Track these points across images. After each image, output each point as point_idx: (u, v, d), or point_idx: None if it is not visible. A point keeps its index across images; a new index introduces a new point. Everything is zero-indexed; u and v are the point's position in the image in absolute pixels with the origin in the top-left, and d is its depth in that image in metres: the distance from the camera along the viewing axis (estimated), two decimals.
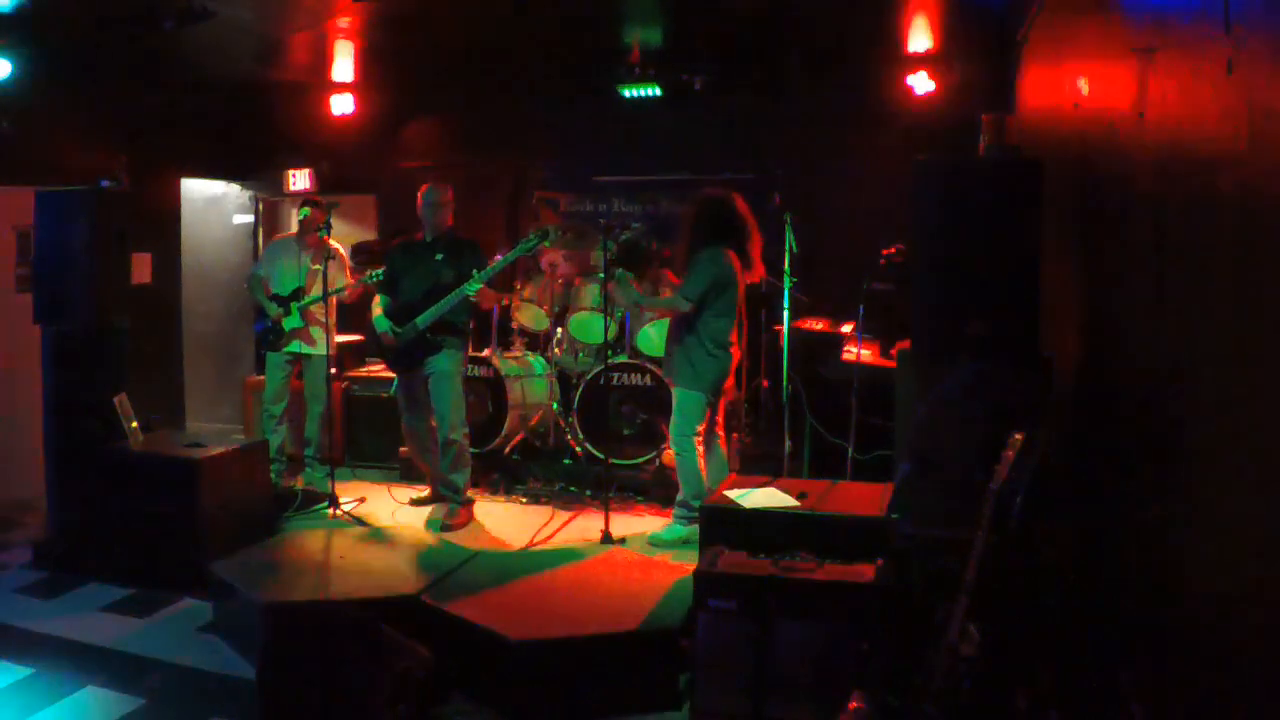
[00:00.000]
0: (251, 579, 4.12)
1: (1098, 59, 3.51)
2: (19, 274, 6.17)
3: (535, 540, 5.16)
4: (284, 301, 6.23)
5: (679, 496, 5.21)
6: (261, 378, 6.57)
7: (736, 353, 5.18)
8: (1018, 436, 2.88)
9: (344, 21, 5.59)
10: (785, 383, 5.90)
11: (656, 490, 5.69)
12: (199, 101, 7.31)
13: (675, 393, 5.12)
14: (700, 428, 5.11)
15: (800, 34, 6.12)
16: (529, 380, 6.57)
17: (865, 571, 3.35)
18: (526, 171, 7.81)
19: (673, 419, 5.15)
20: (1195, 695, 2.24)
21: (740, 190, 7.27)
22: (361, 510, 5.68)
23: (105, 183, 5.17)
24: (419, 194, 5.53)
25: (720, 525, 3.82)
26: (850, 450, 5.43)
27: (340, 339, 6.78)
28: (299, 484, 6.09)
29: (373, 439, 6.80)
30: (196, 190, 8.13)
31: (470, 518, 5.57)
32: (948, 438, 3.16)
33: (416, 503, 5.89)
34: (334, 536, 4.87)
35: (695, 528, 5.07)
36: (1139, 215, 2.91)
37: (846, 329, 6.09)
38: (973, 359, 3.34)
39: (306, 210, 6.28)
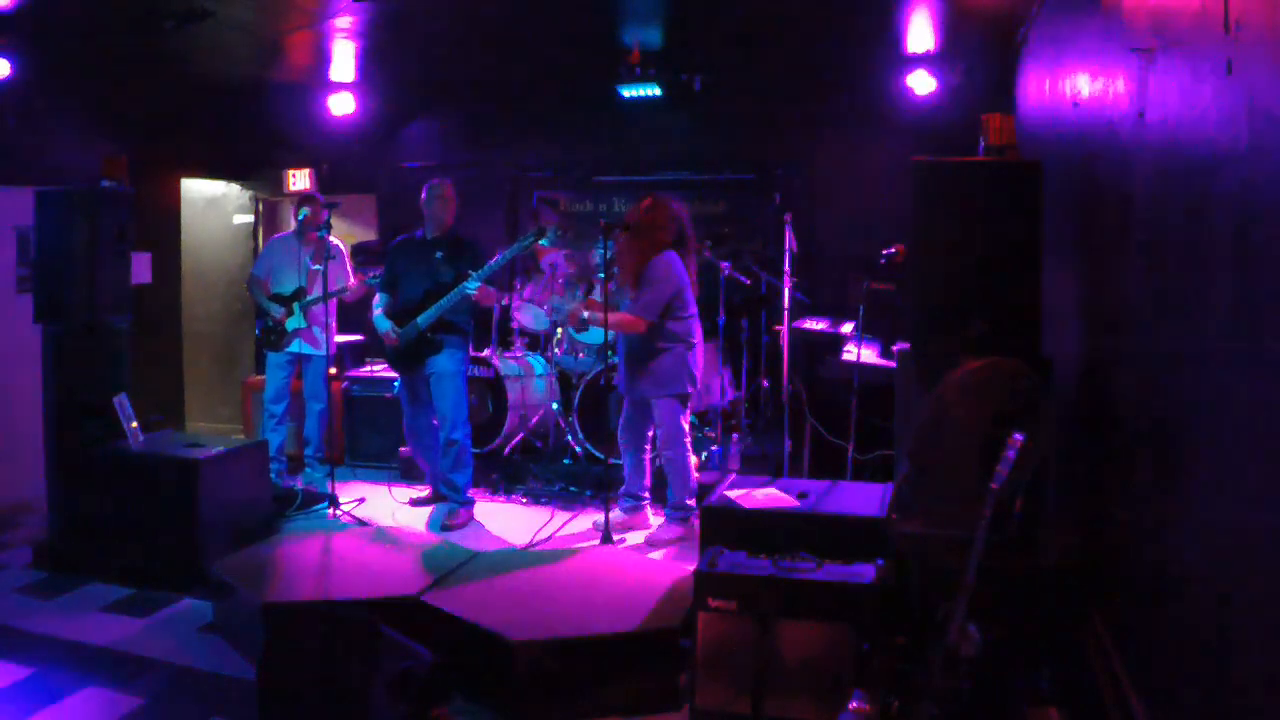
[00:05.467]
0: (251, 579, 4.11)
1: (1098, 59, 3.51)
2: (19, 274, 6.17)
3: (535, 540, 5.16)
4: (286, 301, 6.23)
5: (672, 499, 5.24)
6: (261, 378, 6.58)
7: (700, 349, 5.25)
8: (1018, 436, 2.88)
9: (344, 21, 5.59)
10: (785, 383, 5.90)
11: (657, 490, 5.68)
12: (199, 101, 7.31)
13: (658, 404, 5.13)
14: (687, 426, 5.17)
15: (800, 34, 6.12)
16: (529, 380, 6.57)
17: (865, 571, 3.35)
18: (526, 171, 7.82)
19: (658, 429, 5.18)
20: (1195, 694, 2.24)
21: (740, 190, 7.33)
22: (361, 510, 5.68)
23: (105, 183, 5.17)
24: (422, 190, 5.54)
25: (720, 525, 3.83)
26: (850, 450, 5.43)
27: (340, 339, 6.78)
28: (299, 484, 6.09)
29: (373, 439, 6.80)
30: (196, 190, 8.13)
31: (470, 518, 5.57)
32: (948, 438, 3.15)
33: (416, 503, 5.89)
34: (334, 536, 4.86)
35: (690, 527, 5.10)
36: (1139, 215, 2.91)
37: (846, 329, 6.09)
38: (973, 359, 3.33)
39: (306, 210, 6.29)
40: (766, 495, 4.00)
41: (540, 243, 5.69)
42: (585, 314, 5.30)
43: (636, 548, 5.10)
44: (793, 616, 3.28)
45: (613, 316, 5.12)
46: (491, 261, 5.40)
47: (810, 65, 6.92)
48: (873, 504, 3.90)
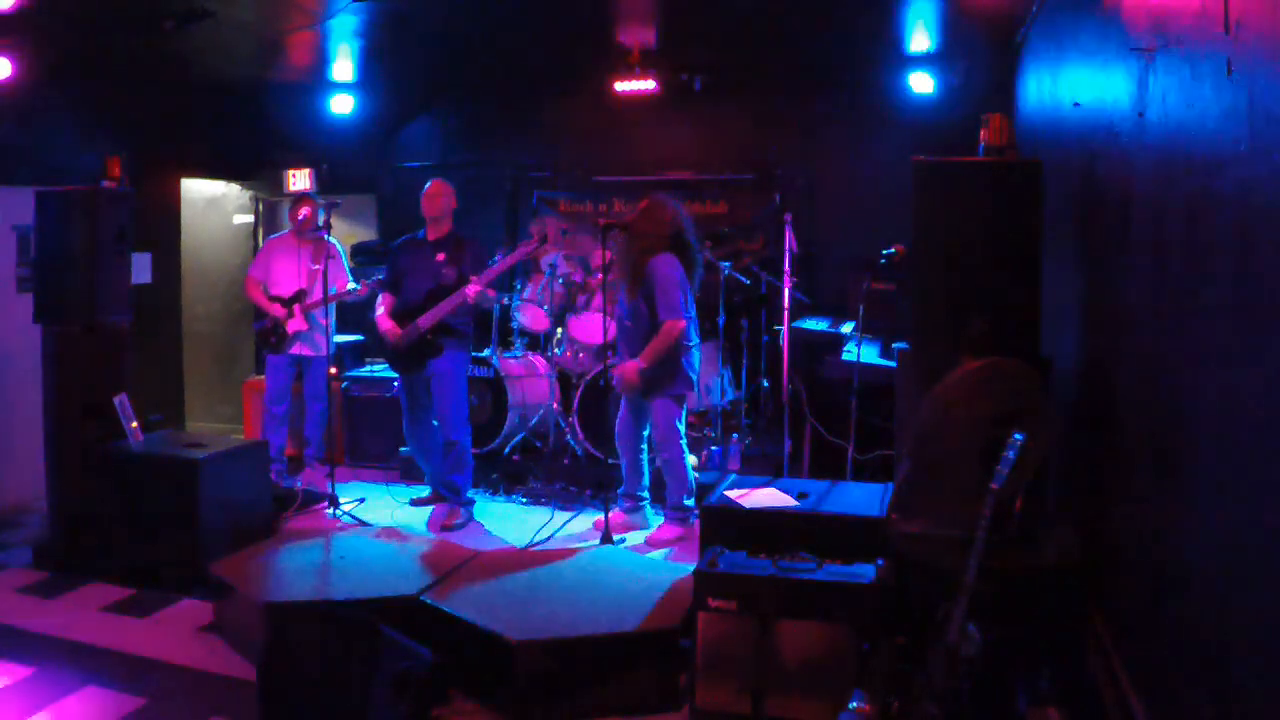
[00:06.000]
0: (251, 579, 4.12)
1: (1098, 59, 3.51)
2: (19, 274, 6.17)
3: (535, 540, 5.16)
4: (286, 304, 6.22)
5: (671, 500, 5.23)
6: (261, 378, 6.57)
7: (698, 351, 5.26)
8: (1018, 436, 2.88)
9: (344, 21, 5.59)
10: (785, 383, 5.89)
11: (656, 491, 5.69)
12: (199, 101, 7.31)
13: (655, 405, 5.13)
14: (683, 427, 5.16)
15: (800, 33, 6.12)
16: (529, 380, 6.57)
17: (865, 571, 3.35)
18: (526, 171, 7.82)
19: (655, 430, 5.18)
20: (1195, 694, 2.24)
21: (740, 190, 7.33)
22: (361, 510, 5.68)
23: (105, 183, 5.17)
24: (422, 191, 5.54)
25: (720, 525, 3.82)
26: (850, 450, 5.43)
27: (340, 339, 6.77)
28: (299, 484, 6.08)
29: (373, 439, 6.79)
30: (196, 190, 8.13)
31: (470, 518, 5.57)
32: (948, 438, 3.15)
33: (416, 503, 5.89)
34: (334, 536, 4.87)
35: (690, 527, 5.10)
36: (1139, 215, 2.91)
37: (846, 329, 6.09)
38: (973, 359, 3.34)
39: (304, 210, 6.29)
40: (766, 495, 4.00)
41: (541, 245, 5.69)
42: (641, 365, 5.07)
43: (636, 548, 5.09)
44: (793, 616, 3.28)
45: (650, 350, 5.03)
46: (493, 266, 5.40)
47: (810, 65, 6.93)
48: (873, 504, 3.90)
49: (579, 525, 5.48)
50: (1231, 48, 1.96)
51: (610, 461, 5.71)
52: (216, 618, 4.29)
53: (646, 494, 5.47)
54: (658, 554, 4.99)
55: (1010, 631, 2.97)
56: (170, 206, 7.70)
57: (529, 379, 6.57)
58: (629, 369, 5.07)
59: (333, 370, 6.44)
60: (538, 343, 7.00)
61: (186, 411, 7.90)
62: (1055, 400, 3.69)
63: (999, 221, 3.55)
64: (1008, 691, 3.02)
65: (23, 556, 5.11)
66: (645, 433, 5.35)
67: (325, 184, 7.88)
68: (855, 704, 2.92)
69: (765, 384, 6.67)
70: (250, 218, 8.44)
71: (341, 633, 3.27)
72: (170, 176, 7.68)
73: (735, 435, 6.22)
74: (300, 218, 6.29)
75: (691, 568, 3.54)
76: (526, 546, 5.05)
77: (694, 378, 5.19)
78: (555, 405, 6.44)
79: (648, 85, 6.74)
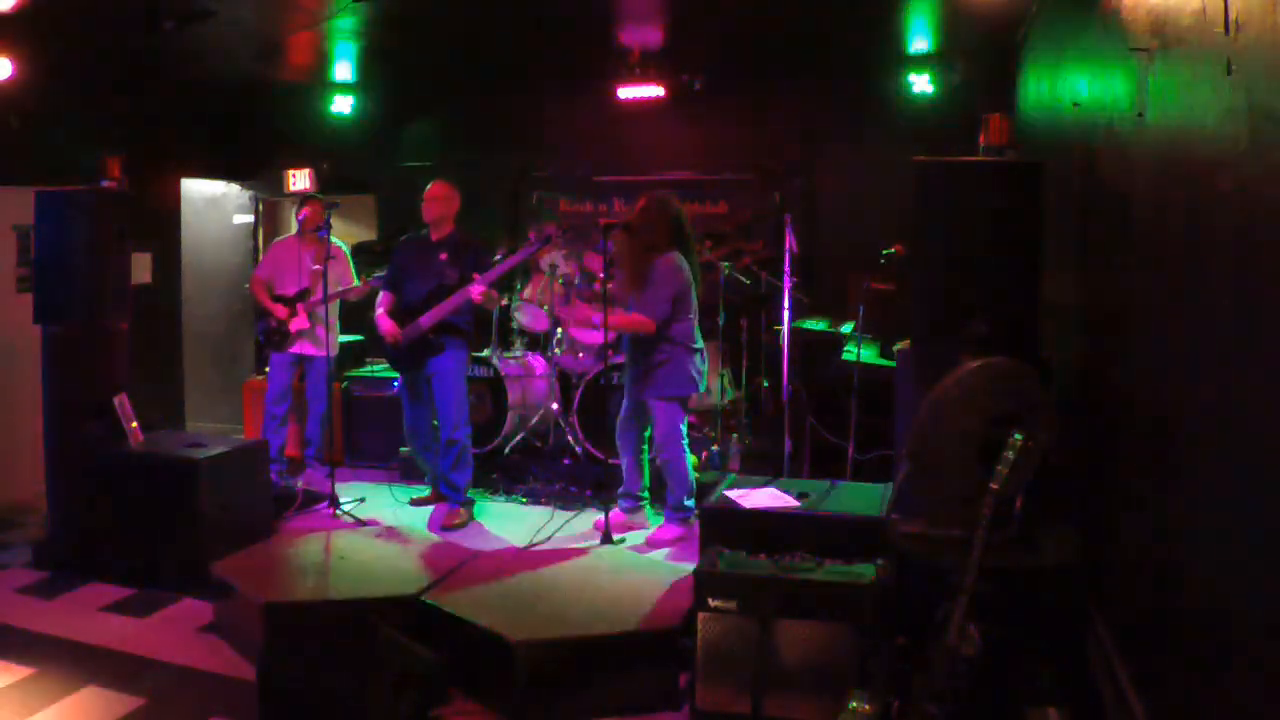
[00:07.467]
0: (251, 579, 4.11)
1: (1098, 59, 3.51)
2: (19, 274, 6.17)
3: (535, 540, 5.16)
4: (289, 302, 6.23)
5: (671, 500, 5.23)
6: (261, 378, 6.57)
7: (703, 353, 5.24)
8: (1018, 436, 2.88)
9: (344, 21, 5.59)
10: (785, 383, 5.90)
11: (657, 490, 5.70)
12: (199, 101, 7.31)
13: (655, 405, 5.12)
14: (684, 428, 5.16)
15: (800, 34, 6.12)
16: (529, 380, 6.57)
17: (865, 571, 3.35)
18: (526, 171, 7.82)
19: (657, 431, 5.15)
20: (1195, 695, 2.24)
21: (740, 190, 7.33)
22: (361, 510, 5.68)
23: (105, 183, 5.17)
24: (424, 193, 5.53)
25: (720, 525, 3.83)
26: (850, 450, 5.43)
27: (341, 339, 6.78)
28: (299, 484, 6.08)
29: (373, 439, 6.79)
30: (196, 190, 8.13)
31: (470, 518, 5.57)
32: (948, 438, 3.15)
33: (416, 503, 5.89)
34: (334, 536, 4.87)
35: (690, 527, 5.10)
36: (1139, 215, 2.91)
37: (846, 329, 6.09)
38: (973, 359, 3.33)
39: (305, 210, 6.29)
40: (766, 495, 4.00)
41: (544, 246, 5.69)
42: (595, 319, 5.13)
43: (636, 548, 5.09)
44: (793, 616, 3.28)
45: (615, 318, 5.09)
46: (496, 267, 5.40)
47: (810, 65, 6.93)
48: (873, 504, 3.90)
49: (579, 525, 5.48)
50: (1231, 48, 1.96)
51: (611, 461, 5.70)
52: (216, 618, 4.28)
53: (646, 494, 5.47)
54: (658, 554, 4.99)
55: (1010, 631, 2.97)
56: (170, 206, 7.70)
57: (528, 379, 6.57)
58: (583, 310, 5.08)
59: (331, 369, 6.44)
60: (538, 343, 7.00)
61: (186, 411, 7.90)
62: (1055, 400, 3.68)
63: (999, 221, 3.54)
64: (1008, 691, 3.02)
65: (23, 556, 5.10)
66: (646, 433, 5.35)
67: (325, 184, 7.88)
68: (855, 704, 2.92)
69: (765, 384, 6.67)
70: (250, 218, 8.43)
71: (341, 633, 3.27)
72: (170, 176, 7.68)
73: (735, 435, 6.22)
74: (301, 218, 6.30)
75: (691, 568, 3.54)
76: (526, 546, 5.05)
77: (699, 380, 5.16)
78: (555, 405, 6.44)
79: (653, 91, 6.72)
